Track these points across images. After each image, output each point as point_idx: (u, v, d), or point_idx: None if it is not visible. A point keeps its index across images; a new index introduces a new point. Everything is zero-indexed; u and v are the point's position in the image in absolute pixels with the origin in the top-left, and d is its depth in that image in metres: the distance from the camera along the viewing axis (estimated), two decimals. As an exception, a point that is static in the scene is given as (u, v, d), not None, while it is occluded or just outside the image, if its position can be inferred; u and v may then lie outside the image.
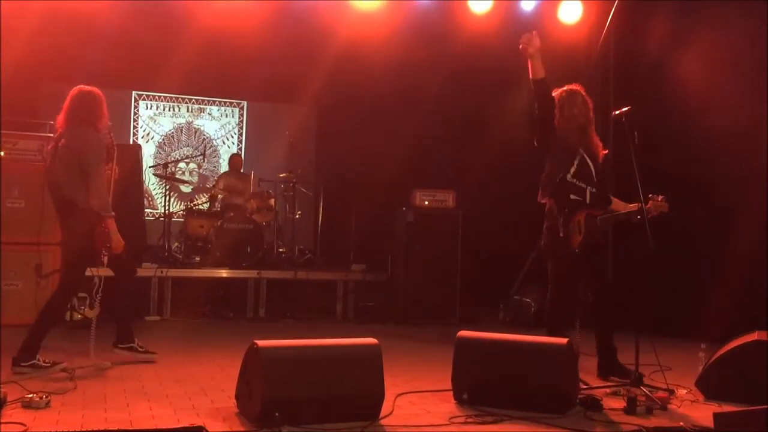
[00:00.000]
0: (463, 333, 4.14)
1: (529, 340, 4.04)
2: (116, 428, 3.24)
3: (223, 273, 7.83)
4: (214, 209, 8.63)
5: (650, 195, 4.55)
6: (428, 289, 7.61)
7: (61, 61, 8.42)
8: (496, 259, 8.32)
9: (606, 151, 4.89)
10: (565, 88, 4.89)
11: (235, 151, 9.96)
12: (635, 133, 4.29)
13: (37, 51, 7.75)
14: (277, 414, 3.16)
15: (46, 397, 3.70)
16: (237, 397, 3.67)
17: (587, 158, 4.73)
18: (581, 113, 4.76)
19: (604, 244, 4.91)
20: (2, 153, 6.59)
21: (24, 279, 6.57)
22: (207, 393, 4.14)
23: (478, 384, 3.92)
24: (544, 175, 4.80)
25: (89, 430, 3.20)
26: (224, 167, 9.79)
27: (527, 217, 8.22)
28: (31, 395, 3.67)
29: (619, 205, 4.82)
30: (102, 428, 3.23)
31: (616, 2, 7.04)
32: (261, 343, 3.47)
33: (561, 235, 4.58)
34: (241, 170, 9.11)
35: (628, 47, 7.38)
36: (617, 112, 4.55)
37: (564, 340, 3.90)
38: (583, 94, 4.85)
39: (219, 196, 8.72)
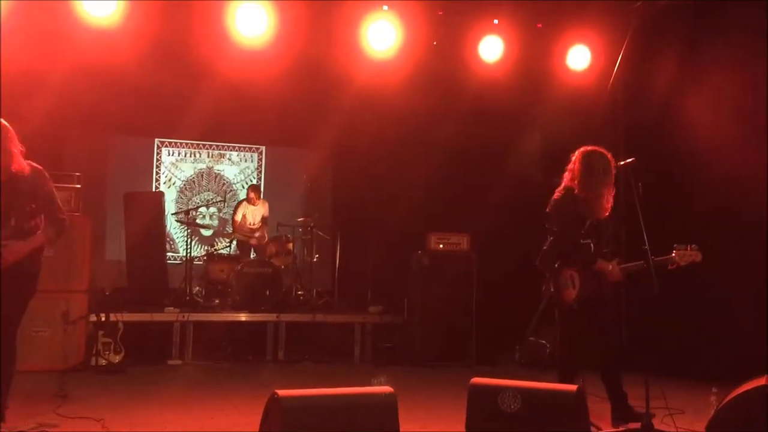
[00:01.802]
0: (476, 380, 4.25)
1: (540, 387, 4.15)
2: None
3: (243, 316, 8.00)
4: (234, 253, 8.86)
5: (676, 246, 4.61)
6: (444, 330, 7.73)
7: (87, 112, 8.75)
8: (511, 301, 8.40)
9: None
10: (583, 151, 4.83)
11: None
12: (639, 185, 4.43)
13: (63, 103, 8.05)
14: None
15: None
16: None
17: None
18: (601, 183, 4.72)
19: (605, 298, 4.92)
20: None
21: (52, 326, 6.76)
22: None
23: (491, 430, 4.02)
24: (551, 241, 4.86)
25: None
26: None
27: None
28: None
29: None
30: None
31: (624, 48, 7.27)
32: (281, 392, 3.61)
33: (551, 289, 4.72)
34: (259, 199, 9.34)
35: (636, 91, 7.55)
36: (622, 163, 4.70)
37: (573, 387, 4.01)
38: (604, 154, 4.77)
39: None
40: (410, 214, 8.70)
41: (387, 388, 3.78)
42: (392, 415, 3.65)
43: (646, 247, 4.44)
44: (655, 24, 7.21)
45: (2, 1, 6.45)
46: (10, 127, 4.32)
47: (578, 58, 7.92)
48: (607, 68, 7.64)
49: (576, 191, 4.79)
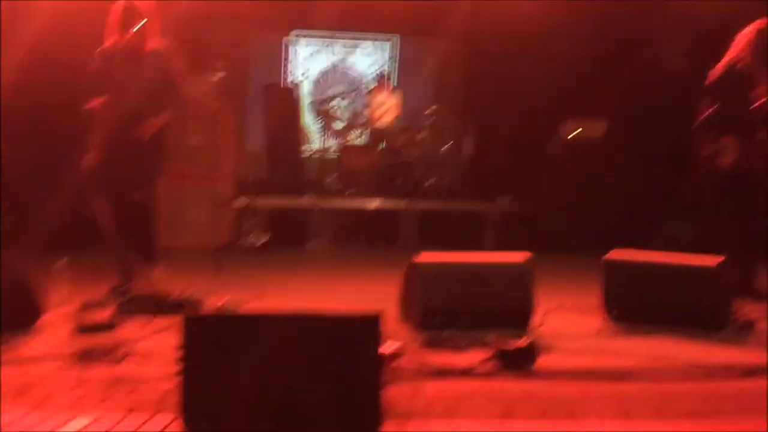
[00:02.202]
0: (612, 255, 4.24)
1: (680, 261, 4.08)
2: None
3: (376, 204, 8.24)
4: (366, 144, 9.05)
5: None
6: (577, 219, 7.62)
7: (227, 8, 8.96)
8: (648, 189, 8.13)
9: None
10: (758, 27, 4.64)
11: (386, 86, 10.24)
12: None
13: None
14: (437, 319, 3.47)
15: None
16: (400, 307, 4.01)
17: None
18: None
19: (760, 175, 4.69)
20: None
21: (201, 208, 7.25)
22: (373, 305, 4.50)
23: (628, 303, 4.04)
24: (713, 109, 4.67)
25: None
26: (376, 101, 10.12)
27: (679, 147, 8.01)
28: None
29: None
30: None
31: None
32: (419, 259, 3.78)
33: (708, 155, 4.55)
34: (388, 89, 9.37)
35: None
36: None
37: (714, 262, 3.91)
38: None
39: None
40: (544, 102, 8.46)
41: (524, 255, 3.84)
42: (529, 281, 3.74)
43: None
44: None
45: None
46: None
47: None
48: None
49: (740, 66, 4.56)
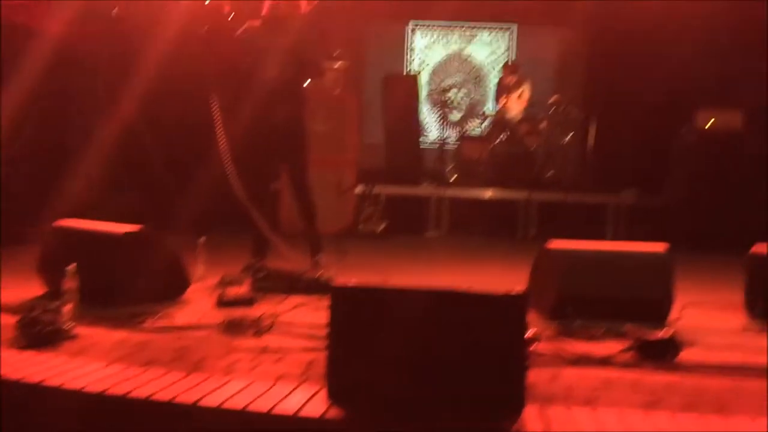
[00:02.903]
0: (757, 249, 4.02)
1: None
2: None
3: (495, 194, 8.17)
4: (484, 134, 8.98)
5: None
6: (712, 214, 7.24)
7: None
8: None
9: None
10: None
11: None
12: None
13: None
14: (570, 307, 3.41)
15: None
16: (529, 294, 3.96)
17: None
18: None
19: None
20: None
21: (326, 192, 7.40)
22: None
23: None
24: None
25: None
26: (494, 92, 10.01)
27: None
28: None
29: None
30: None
31: None
32: (553, 245, 3.72)
33: None
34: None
35: None
36: None
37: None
38: None
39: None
40: (674, 90, 8.10)
41: (662, 246, 3.71)
42: (667, 272, 3.61)
43: None
44: None
45: None
46: None
47: None
48: None
49: None
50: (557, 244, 3.72)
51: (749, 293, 3.94)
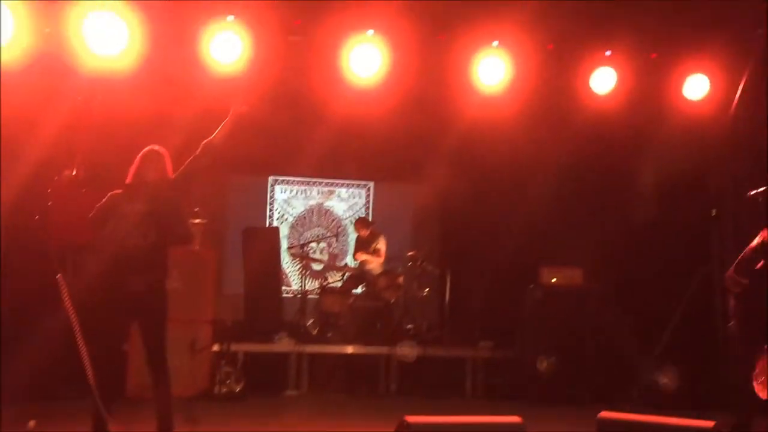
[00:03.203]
0: (605, 414, 4.17)
1: (674, 422, 4.02)
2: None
3: (355, 349, 8.13)
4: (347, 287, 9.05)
5: None
6: (559, 367, 7.59)
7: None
8: (629, 336, 8.17)
9: None
10: None
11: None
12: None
13: (189, 145, 8.50)
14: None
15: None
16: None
17: None
18: None
19: None
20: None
21: (180, 354, 7.08)
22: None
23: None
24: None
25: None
26: (353, 246, 10.25)
27: (660, 293, 8.15)
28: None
29: None
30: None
31: (745, 77, 7.06)
32: (411, 419, 3.68)
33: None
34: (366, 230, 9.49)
35: (759, 123, 7.28)
36: (753, 192, 4.56)
37: (710, 424, 3.86)
38: None
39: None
40: (521, 248, 8.64)
41: (516, 418, 3.77)
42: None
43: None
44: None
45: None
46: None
47: (695, 87, 7.70)
48: (727, 97, 7.42)
49: None
50: (414, 418, 3.68)
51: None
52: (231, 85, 7.41)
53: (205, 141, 4.99)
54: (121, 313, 4.65)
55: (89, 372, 4.35)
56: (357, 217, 10.17)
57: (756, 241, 4.72)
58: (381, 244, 9.25)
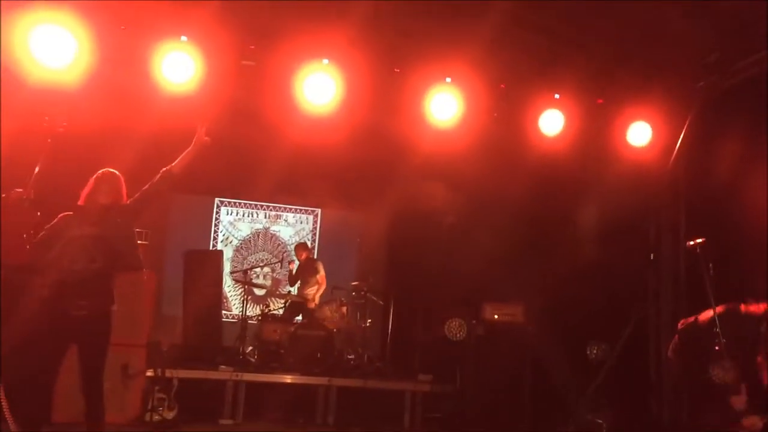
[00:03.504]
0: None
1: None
2: None
3: (295, 379, 8.01)
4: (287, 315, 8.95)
5: None
6: (498, 402, 7.63)
7: (154, 169, 9.03)
8: (566, 374, 8.27)
9: None
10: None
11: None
12: (710, 265, 4.39)
13: (138, 161, 8.33)
14: None
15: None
16: None
17: None
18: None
19: None
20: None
21: (111, 378, 6.85)
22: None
23: None
24: None
25: None
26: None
27: (598, 332, 8.29)
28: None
29: None
30: None
31: (686, 127, 7.30)
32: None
33: None
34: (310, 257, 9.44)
35: (699, 170, 7.52)
36: (692, 243, 4.67)
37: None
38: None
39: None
40: (465, 283, 8.70)
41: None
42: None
43: (718, 329, 4.37)
44: (718, 104, 7.24)
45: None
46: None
47: (639, 134, 7.92)
48: (669, 145, 7.66)
49: None
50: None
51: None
52: (182, 105, 7.35)
53: (165, 169, 4.93)
54: (62, 336, 4.54)
55: (2, 398, 4.20)
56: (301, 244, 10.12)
57: (700, 318, 4.79)
58: (320, 271, 9.24)
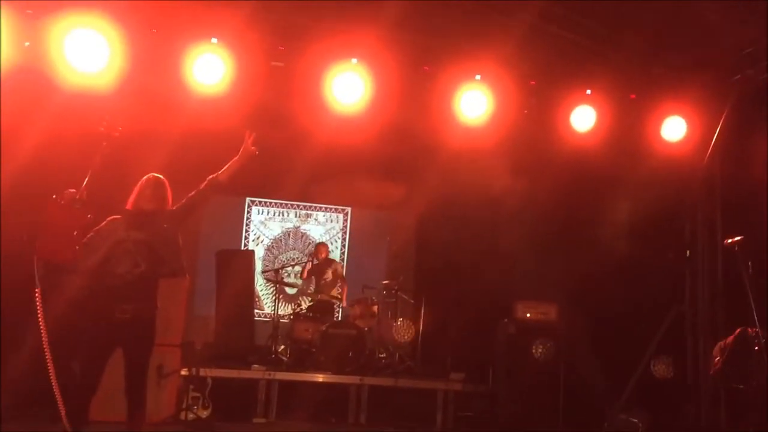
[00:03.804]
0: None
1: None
2: None
3: (327, 378, 8.04)
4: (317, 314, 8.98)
5: None
6: (530, 402, 7.57)
7: (188, 172, 9.11)
8: (600, 374, 8.18)
9: None
10: None
11: (337, 257, 10.38)
12: (749, 263, 4.29)
13: (170, 163, 8.42)
14: None
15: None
16: None
17: None
18: None
19: None
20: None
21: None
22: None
23: None
24: None
25: None
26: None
27: (633, 331, 8.19)
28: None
29: None
30: None
31: (722, 121, 7.16)
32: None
33: None
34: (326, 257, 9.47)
35: (736, 165, 7.38)
36: (729, 241, 4.57)
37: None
38: None
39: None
40: (496, 282, 8.65)
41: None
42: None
43: (757, 329, 4.28)
44: (755, 97, 7.09)
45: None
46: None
47: (673, 129, 7.80)
48: (704, 140, 7.53)
49: None
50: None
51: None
52: (213, 107, 7.41)
53: (212, 177, 4.99)
54: (107, 339, 4.62)
55: (58, 395, 4.28)
56: (336, 240, 10.15)
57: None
58: (338, 270, 9.31)
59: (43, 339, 4.20)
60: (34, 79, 6.58)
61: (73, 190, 4.45)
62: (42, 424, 5.85)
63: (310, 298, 9.70)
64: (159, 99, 7.26)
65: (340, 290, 9.46)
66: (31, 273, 4.31)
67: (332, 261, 9.56)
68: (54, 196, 4.41)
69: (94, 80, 6.70)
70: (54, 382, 4.25)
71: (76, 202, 4.40)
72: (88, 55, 6.68)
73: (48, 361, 4.22)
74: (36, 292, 4.24)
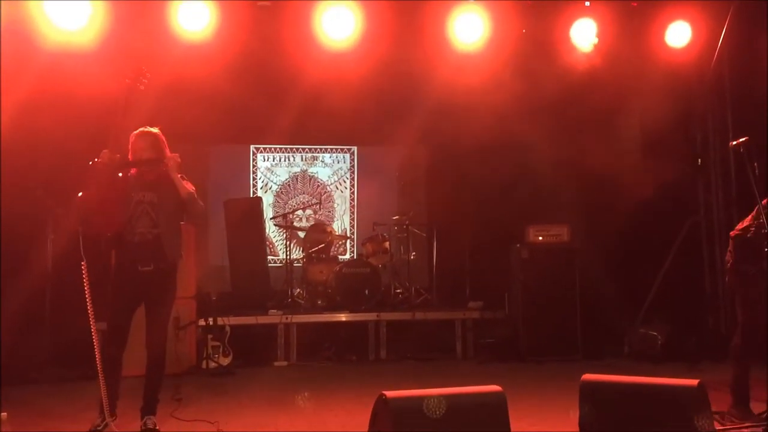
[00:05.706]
0: (588, 376, 4.11)
1: (658, 382, 3.96)
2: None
3: (344, 317, 8.07)
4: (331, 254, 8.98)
5: None
6: (549, 324, 7.56)
7: (185, 124, 9.00)
8: (616, 291, 8.13)
9: None
10: None
11: (347, 197, 10.31)
12: (755, 164, 4.16)
13: (162, 117, 8.31)
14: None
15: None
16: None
17: None
18: None
19: None
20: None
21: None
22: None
23: (608, 428, 3.88)
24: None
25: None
26: (339, 211, 10.24)
27: (646, 247, 8.09)
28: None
29: None
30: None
31: (728, 22, 6.88)
32: (389, 394, 3.61)
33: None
34: None
35: (743, 68, 7.13)
36: (734, 143, 4.43)
37: (695, 382, 3.81)
38: None
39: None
40: (507, 207, 8.54)
41: (495, 387, 3.70)
42: (502, 415, 3.58)
43: (766, 230, 4.16)
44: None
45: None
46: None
47: (678, 34, 7.53)
48: (710, 44, 7.27)
49: None
50: (392, 393, 3.61)
51: (583, 425, 3.99)
52: (201, 53, 7.25)
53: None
54: (131, 293, 4.66)
55: (99, 360, 4.33)
56: (344, 181, 10.01)
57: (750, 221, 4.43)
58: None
59: (89, 310, 4.21)
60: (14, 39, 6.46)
61: (106, 151, 4.39)
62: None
63: (324, 240, 9.67)
64: (144, 50, 7.10)
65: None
66: (76, 246, 4.29)
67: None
68: (90, 163, 4.31)
69: (76, 37, 6.58)
70: (97, 356, 4.31)
71: (115, 160, 4.37)
72: (69, 11, 6.56)
73: (93, 334, 4.25)
74: (82, 265, 4.26)
